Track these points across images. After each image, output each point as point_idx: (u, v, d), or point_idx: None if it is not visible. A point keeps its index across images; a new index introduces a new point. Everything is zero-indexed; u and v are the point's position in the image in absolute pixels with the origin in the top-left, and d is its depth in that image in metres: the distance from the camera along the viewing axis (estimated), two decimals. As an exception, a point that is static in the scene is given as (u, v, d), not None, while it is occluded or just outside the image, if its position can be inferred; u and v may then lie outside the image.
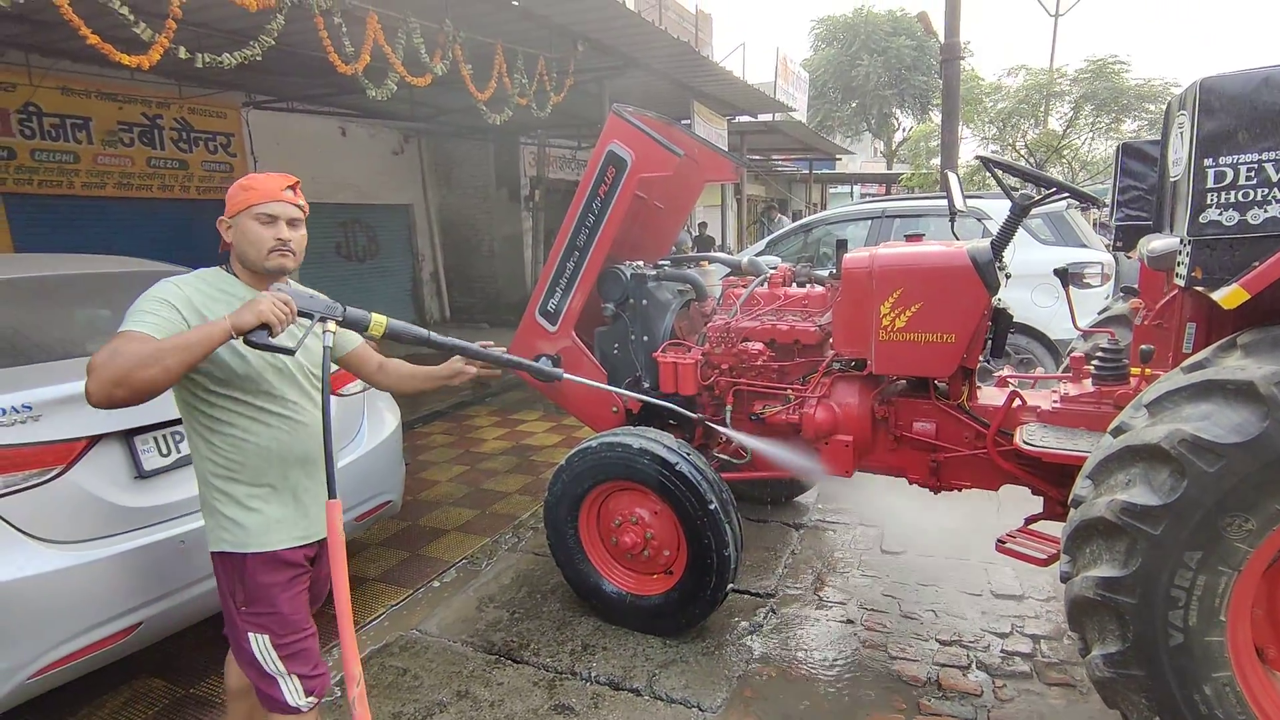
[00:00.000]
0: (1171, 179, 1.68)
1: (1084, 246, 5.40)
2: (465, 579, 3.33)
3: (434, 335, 1.74)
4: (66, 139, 6.92)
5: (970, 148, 17.09)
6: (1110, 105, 14.98)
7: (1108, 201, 3.03)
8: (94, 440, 2.04)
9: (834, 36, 23.76)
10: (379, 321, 1.60)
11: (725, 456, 3.08)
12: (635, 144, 2.91)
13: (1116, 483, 1.69)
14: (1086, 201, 2.38)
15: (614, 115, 2.96)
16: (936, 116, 21.78)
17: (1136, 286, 2.93)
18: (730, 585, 2.62)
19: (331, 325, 1.49)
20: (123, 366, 1.34)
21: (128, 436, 2.12)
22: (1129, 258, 2.90)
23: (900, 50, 21.80)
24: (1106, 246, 5.86)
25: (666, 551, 2.71)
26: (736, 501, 2.66)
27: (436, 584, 3.29)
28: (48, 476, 1.94)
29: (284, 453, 1.65)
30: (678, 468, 2.53)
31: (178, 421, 2.23)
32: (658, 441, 2.61)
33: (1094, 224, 6.93)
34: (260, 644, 1.62)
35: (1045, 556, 2.25)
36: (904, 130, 25.12)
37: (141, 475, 2.13)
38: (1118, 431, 1.75)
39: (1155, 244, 2.16)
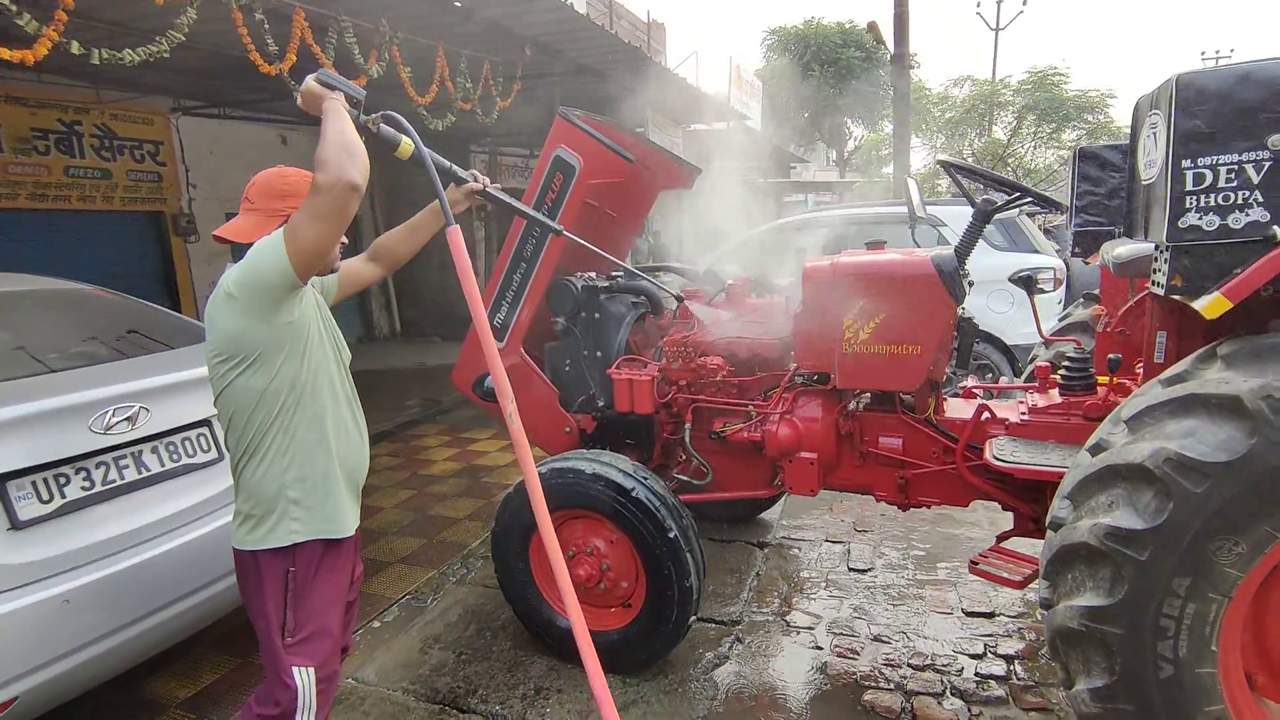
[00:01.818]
0: (1144, 182, 1.59)
1: (1036, 252, 5.46)
2: (409, 617, 3.08)
3: (455, 167, 1.80)
4: (-29, 147, 6.40)
5: (920, 156, 17.50)
6: (1051, 115, 15.51)
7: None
8: (-44, 489, 1.76)
9: (785, 47, 24.09)
10: (406, 147, 1.60)
11: (685, 477, 2.92)
12: (583, 149, 2.74)
13: (1098, 505, 1.59)
14: (1051, 206, 2.32)
15: (560, 119, 2.79)
16: (887, 126, 22.30)
17: (1097, 293, 2.89)
18: (693, 617, 2.46)
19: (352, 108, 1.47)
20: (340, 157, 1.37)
21: (0, 482, 1.84)
22: (1087, 264, 2.86)
23: (850, 61, 22.21)
24: (1056, 251, 5.95)
25: (624, 583, 2.53)
26: (698, 520, 2.50)
27: (377, 624, 3.04)
28: (-103, 534, 1.65)
29: (351, 456, 1.72)
30: (634, 494, 2.36)
31: (62, 463, 1.97)
32: (612, 466, 2.44)
33: (1040, 228, 7.05)
34: (305, 679, 1.58)
35: (1020, 578, 2.15)
36: (855, 139, 25.62)
37: (16, 526, 1.85)
38: (1096, 449, 1.65)
39: (1121, 250, 2.09)
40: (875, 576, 3.28)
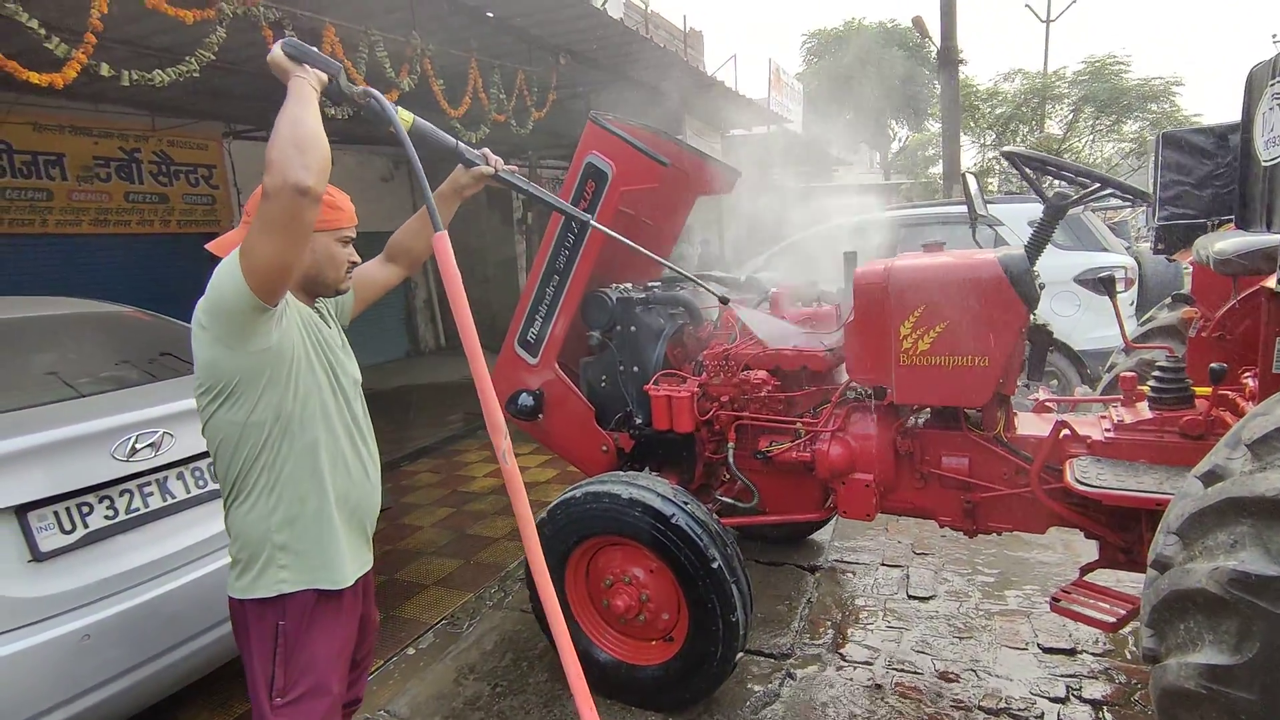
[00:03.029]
0: (1264, 163, 1.36)
1: (1104, 250, 5.09)
2: (444, 644, 2.98)
3: (461, 145, 1.63)
4: (39, 176, 6.68)
5: (970, 155, 16.88)
6: (1111, 106, 14.74)
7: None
8: (-23, 519, 1.71)
9: (825, 50, 23.70)
10: (404, 117, 1.44)
11: (729, 499, 2.73)
12: (616, 154, 2.61)
13: (1217, 544, 1.35)
14: (1136, 197, 2.07)
15: (592, 123, 2.67)
16: (932, 126, 21.63)
17: (1186, 292, 2.60)
18: (740, 653, 2.27)
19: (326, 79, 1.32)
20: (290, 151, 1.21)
21: (21, 512, 1.80)
22: (1172, 260, 2.58)
23: (893, 61, 21.69)
24: (1126, 249, 5.55)
25: (665, 615, 2.36)
26: (743, 540, 2.32)
27: (411, 651, 2.94)
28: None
29: (353, 494, 1.56)
30: (673, 520, 2.20)
31: (84, 491, 1.92)
32: (650, 490, 2.28)
33: (1107, 223, 6.62)
34: None
35: (1114, 620, 1.90)
36: (900, 141, 24.97)
37: (38, 558, 1.80)
38: (1211, 477, 1.42)
39: (1223, 244, 1.84)
40: (938, 605, 3.03)
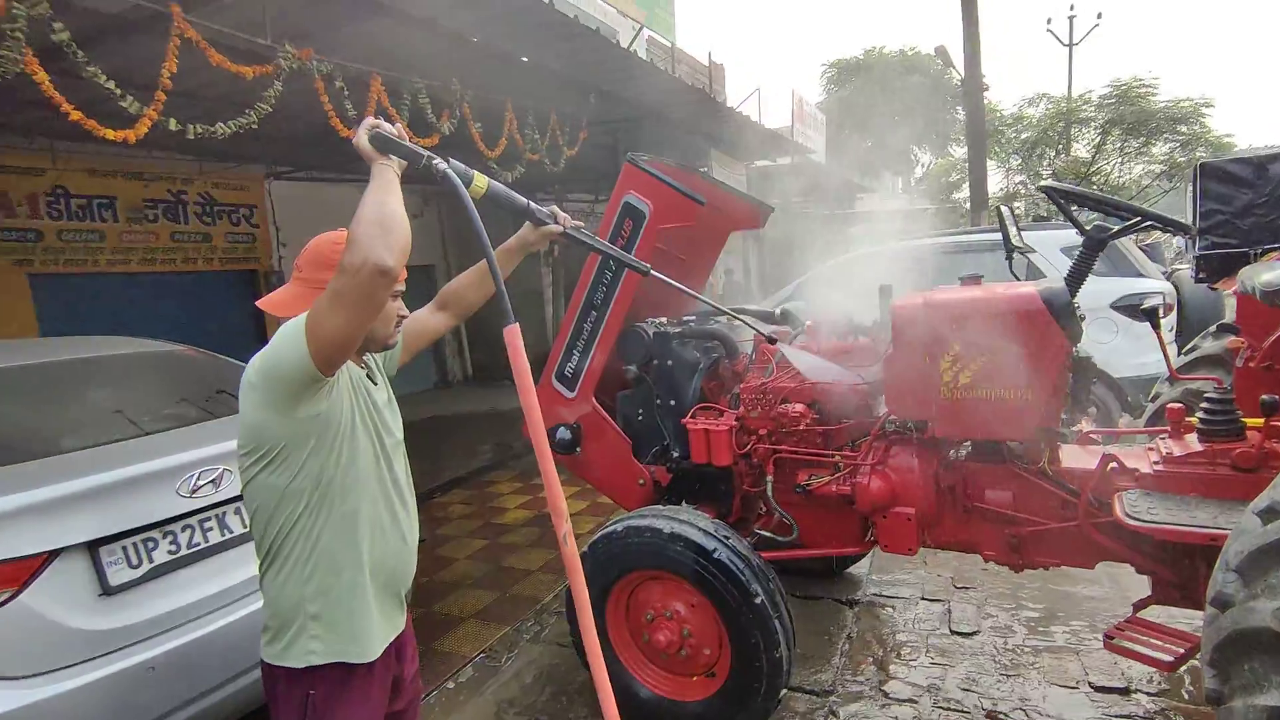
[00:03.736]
0: (1311, 200, 1.37)
1: (1140, 275, 5.03)
2: (483, 678, 2.99)
3: (533, 205, 1.62)
4: (93, 218, 7.02)
5: (995, 180, 16.81)
6: (1139, 129, 14.62)
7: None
8: (52, 555, 1.80)
9: (846, 78, 23.97)
10: (480, 184, 1.44)
11: (766, 533, 2.73)
12: (653, 194, 2.68)
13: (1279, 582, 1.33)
14: (1175, 228, 2.07)
15: (629, 165, 2.75)
16: (955, 151, 21.62)
17: (1231, 322, 2.57)
18: (784, 690, 2.26)
19: (395, 165, 1.30)
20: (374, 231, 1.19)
21: (92, 548, 1.88)
22: (1214, 289, 2.56)
23: (915, 88, 21.85)
24: (1165, 275, 5.48)
25: (707, 650, 2.35)
26: (778, 573, 2.32)
27: (451, 685, 2.96)
28: (-3, 602, 1.69)
29: (389, 561, 1.51)
30: (715, 555, 2.20)
31: (150, 527, 2.00)
32: (692, 524, 2.29)
33: (1140, 245, 6.53)
34: None
35: (1171, 659, 1.85)
36: (923, 167, 25.00)
37: (107, 592, 1.88)
38: (1270, 514, 1.40)
39: (1270, 275, 1.84)
40: (982, 641, 2.97)
